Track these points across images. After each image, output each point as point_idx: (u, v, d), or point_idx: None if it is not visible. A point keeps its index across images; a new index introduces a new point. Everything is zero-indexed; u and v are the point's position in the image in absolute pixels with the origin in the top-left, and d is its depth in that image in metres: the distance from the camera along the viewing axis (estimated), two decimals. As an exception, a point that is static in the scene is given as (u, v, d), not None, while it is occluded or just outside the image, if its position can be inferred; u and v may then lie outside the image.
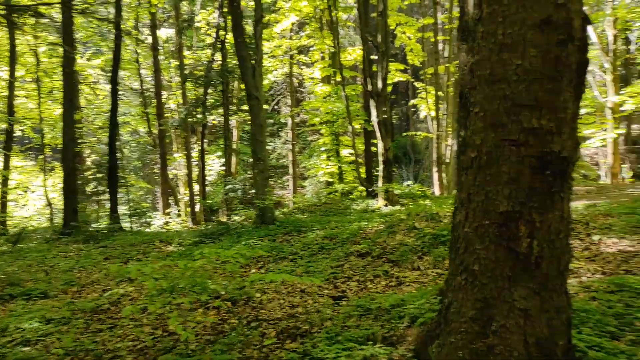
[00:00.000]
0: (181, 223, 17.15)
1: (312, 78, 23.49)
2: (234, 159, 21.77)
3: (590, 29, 20.40)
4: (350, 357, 3.35)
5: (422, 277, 6.38)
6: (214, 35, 18.31)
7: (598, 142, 21.95)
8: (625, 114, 21.64)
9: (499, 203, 2.75)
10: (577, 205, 9.12)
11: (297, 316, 4.82)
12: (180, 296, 4.71)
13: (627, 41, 25.76)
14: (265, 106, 26.17)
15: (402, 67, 22.55)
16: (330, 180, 20.38)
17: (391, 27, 19.76)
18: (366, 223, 9.37)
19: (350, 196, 17.44)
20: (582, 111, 25.41)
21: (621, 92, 19.84)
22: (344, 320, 4.30)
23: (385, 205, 13.45)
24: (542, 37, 2.67)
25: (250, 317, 4.96)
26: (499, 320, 2.69)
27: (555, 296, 2.75)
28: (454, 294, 2.92)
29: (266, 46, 21.85)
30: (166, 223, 16.86)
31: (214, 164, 24.51)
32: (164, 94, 23.94)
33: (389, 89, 20.52)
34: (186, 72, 20.00)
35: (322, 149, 20.52)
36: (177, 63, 22.01)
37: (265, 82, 23.73)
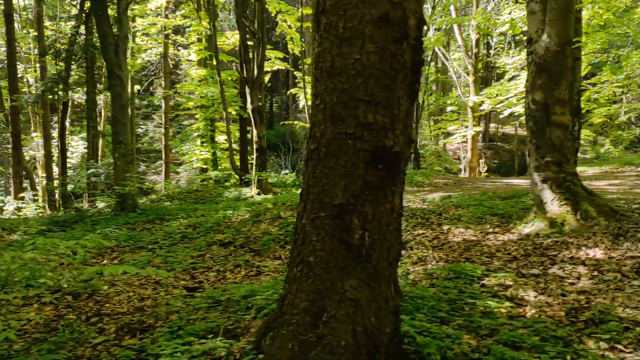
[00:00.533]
0: (37, 209, 15.64)
1: (189, 60, 22.62)
2: (100, 141, 20.34)
3: (456, 32, 21.87)
4: (188, 352, 3.22)
5: (282, 266, 6.40)
6: (79, 6, 16.84)
7: (460, 138, 23.79)
8: (483, 113, 23.60)
9: (335, 195, 2.77)
10: (435, 196, 9.75)
11: (144, 310, 4.58)
12: (14, 291, 4.26)
13: (489, 46, 28.02)
14: (138, 87, 24.78)
15: (281, 55, 22.52)
16: (205, 166, 19.84)
17: (272, 14, 19.59)
18: (232, 212, 9.23)
19: (225, 184, 17.13)
20: (448, 109, 27.41)
21: (481, 93, 21.56)
22: (191, 313, 4.15)
23: (258, 194, 13.38)
24: (379, 33, 2.71)
25: (92, 311, 4.62)
26: (330, 310, 2.71)
27: (384, 286, 2.84)
28: (290, 286, 2.91)
29: (139, 23, 20.61)
30: (18, 209, 15.29)
31: (79, 146, 22.71)
32: (20, 66, 21.65)
33: (267, 76, 20.42)
34: (47, 44, 18.20)
35: (196, 134, 19.88)
36: (36, 33, 19.95)
37: (138, 61, 22.44)
